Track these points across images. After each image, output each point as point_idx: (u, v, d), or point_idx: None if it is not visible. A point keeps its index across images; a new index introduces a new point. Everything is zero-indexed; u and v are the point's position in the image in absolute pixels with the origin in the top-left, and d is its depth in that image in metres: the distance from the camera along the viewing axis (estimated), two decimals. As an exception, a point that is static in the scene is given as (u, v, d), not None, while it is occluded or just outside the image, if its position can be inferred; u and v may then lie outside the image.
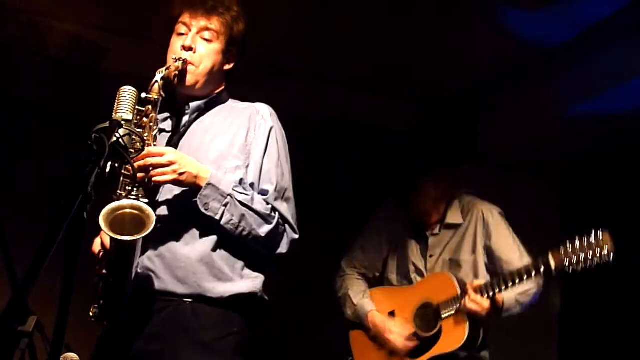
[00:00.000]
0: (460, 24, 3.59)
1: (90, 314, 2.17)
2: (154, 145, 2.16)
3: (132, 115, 1.95)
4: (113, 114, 1.94)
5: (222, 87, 2.43)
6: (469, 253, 3.13)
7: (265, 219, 2.22)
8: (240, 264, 2.25)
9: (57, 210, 1.50)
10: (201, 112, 2.37)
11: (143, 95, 2.11)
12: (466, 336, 2.92)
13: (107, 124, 1.81)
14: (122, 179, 2.12)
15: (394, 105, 4.36)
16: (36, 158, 4.10)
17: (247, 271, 2.26)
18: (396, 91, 4.33)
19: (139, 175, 2.09)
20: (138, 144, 1.98)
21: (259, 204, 2.22)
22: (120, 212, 2.00)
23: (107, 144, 1.69)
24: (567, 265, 2.70)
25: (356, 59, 3.99)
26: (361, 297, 3.26)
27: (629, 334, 4.12)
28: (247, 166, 2.29)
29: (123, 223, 1.98)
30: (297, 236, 2.32)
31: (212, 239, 2.22)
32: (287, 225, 2.30)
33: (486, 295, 2.89)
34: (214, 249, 2.22)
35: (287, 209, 2.30)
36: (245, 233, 2.20)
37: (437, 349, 3.00)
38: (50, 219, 1.49)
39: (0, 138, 4.12)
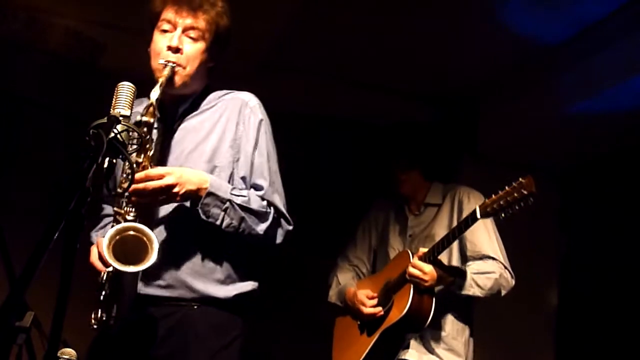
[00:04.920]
0: (461, 22, 3.58)
1: (92, 321, 2.18)
2: (151, 166, 2.16)
3: (130, 111, 1.95)
4: (111, 109, 1.93)
5: (206, 83, 2.42)
6: (444, 229, 3.10)
7: (262, 216, 2.27)
8: (240, 264, 2.30)
9: (55, 206, 1.50)
10: (188, 111, 2.37)
11: (138, 118, 2.11)
12: (409, 303, 2.90)
13: (104, 120, 1.81)
14: (121, 199, 2.14)
15: (395, 103, 4.35)
16: (35, 154, 4.09)
17: (246, 271, 2.32)
18: (397, 89, 4.32)
19: (142, 200, 2.11)
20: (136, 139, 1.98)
21: (255, 203, 2.26)
22: (122, 235, 2.02)
23: (104, 139, 1.69)
24: (490, 211, 2.72)
25: (356, 56, 3.98)
26: (348, 279, 3.33)
27: (627, 332, 4.12)
28: (238, 160, 2.32)
29: (125, 246, 2.00)
30: (291, 227, 2.36)
31: (215, 242, 2.26)
32: (282, 219, 2.34)
33: (428, 260, 2.90)
34: (217, 253, 2.26)
35: (280, 202, 2.34)
36: (245, 233, 2.24)
37: (387, 322, 3.01)
38: (49, 215, 1.49)
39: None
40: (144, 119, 2.12)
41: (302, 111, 4.20)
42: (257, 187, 2.32)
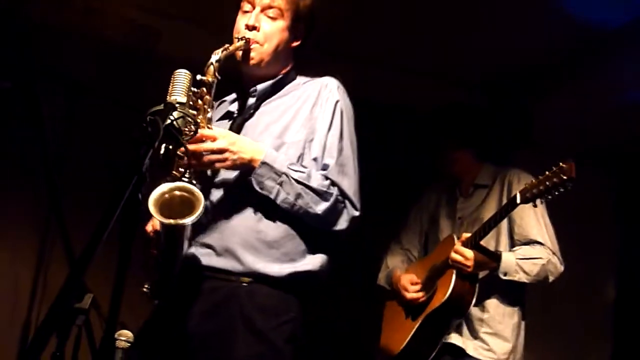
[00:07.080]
0: (518, 6, 3.52)
1: (144, 290, 2.20)
2: (208, 128, 2.15)
3: (186, 98, 1.96)
4: (167, 96, 1.96)
5: (290, 66, 2.40)
6: (493, 211, 3.04)
7: (323, 196, 2.18)
8: (301, 243, 2.21)
9: (113, 192, 1.53)
10: (268, 94, 2.36)
11: (198, 77, 2.10)
12: (451, 288, 2.89)
13: (161, 107, 1.82)
14: (176, 159, 2.11)
15: (448, 90, 4.30)
16: (92, 140, 4.18)
17: (308, 250, 2.21)
18: (450, 75, 4.27)
19: (192, 162, 2.08)
20: (192, 126, 2.00)
21: (316, 181, 2.18)
22: (170, 194, 2.01)
23: (161, 126, 1.71)
24: (530, 196, 2.69)
25: (409, 43, 3.95)
26: (397, 262, 3.33)
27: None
28: (312, 140, 2.27)
29: (172, 205, 1.99)
30: (357, 213, 2.25)
31: (272, 216, 2.19)
32: (347, 202, 2.23)
33: (470, 245, 2.88)
34: (273, 227, 2.19)
35: (348, 185, 2.24)
36: (301, 211, 2.17)
37: (430, 307, 3.01)
38: (106, 200, 1.52)
39: (57, 120, 4.21)
40: (203, 78, 2.11)
41: (354, 98, 4.18)
42: (324, 167, 2.24)
